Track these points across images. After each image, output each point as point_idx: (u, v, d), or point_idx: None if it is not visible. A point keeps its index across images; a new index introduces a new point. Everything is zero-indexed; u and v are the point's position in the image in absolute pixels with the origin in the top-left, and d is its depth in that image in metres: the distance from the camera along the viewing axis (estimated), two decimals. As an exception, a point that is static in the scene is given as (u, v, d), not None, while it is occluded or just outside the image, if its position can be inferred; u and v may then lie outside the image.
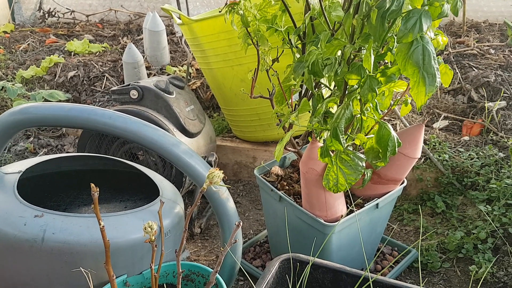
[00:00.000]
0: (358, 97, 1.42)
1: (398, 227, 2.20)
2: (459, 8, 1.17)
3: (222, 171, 0.93)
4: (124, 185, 1.60)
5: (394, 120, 2.56)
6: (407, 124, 2.46)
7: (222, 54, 2.28)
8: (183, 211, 1.42)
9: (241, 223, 1.16)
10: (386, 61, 1.36)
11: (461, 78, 2.75)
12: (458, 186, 2.17)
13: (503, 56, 2.95)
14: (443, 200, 2.18)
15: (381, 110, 1.64)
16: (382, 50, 1.36)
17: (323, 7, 1.37)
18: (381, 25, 1.10)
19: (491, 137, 2.34)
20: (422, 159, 2.29)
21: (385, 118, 2.59)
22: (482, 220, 1.96)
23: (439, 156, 2.25)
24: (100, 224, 1.06)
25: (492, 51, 3.05)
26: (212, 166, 2.17)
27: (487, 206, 1.96)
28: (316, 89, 1.63)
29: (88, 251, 1.23)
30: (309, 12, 1.47)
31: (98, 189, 1.01)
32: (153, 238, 1.13)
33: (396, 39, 1.15)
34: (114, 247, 1.24)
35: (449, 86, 2.78)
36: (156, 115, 2.02)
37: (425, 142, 2.38)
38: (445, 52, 2.95)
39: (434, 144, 2.34)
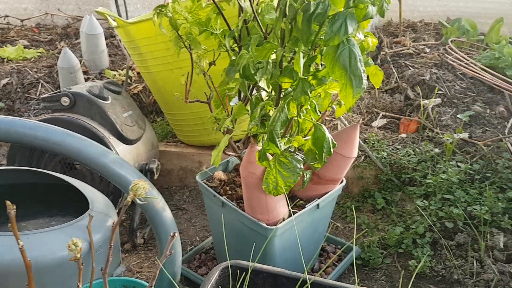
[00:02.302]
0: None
1: (342, 225, 2.23)
2: (386, 10, 1.19)
3: (146, 182, 0.89)
4: (53, 199, 1.52)
5: (335, 120, 2.61)
6: (347, 124, 2.51)
7: (160, 57, 2.22)
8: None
9: (177, 234, 1.12)
10: (319, 63, 1.37)
11: (397, 77, 2.84)
12: (397, 182, 2.24)
13: (438, 55, 3.08)
14: (382, 196, 2.23)
15: (320, 111, 1.66)
16: (314, 52, 1.37)
17: (255, 10, 1.36)
18: (307, 28, 1.10)
19: (427, 133, 2.43)
20: (362, 158, 2.34)
21: (326, 118, 2.64)
22: (420, 215, 2.02)
23: (378, 154, 2.31)
24: (19, 244, 0.99)
25: (428, 50, 3.18)
26: (154, 173, 2.11)
27: (424, 201, 2.03)
28: (256, 92, 1.62)
29: (11, 271, 1.15)
30: (242, 15, 1.45)
31: (15, 207, 0.94)
32: (79, 256, 1.06)
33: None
34: (40, 266, 1.17)
35: (386, 86, 2.86)
36: (90, 122, 1.94)
37: (364, 140, 2.43)
38: (382, 52, 3.04)
39: (373, 142, 2.39)
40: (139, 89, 3.07)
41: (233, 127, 1.67)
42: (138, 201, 0.90)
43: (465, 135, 2.27)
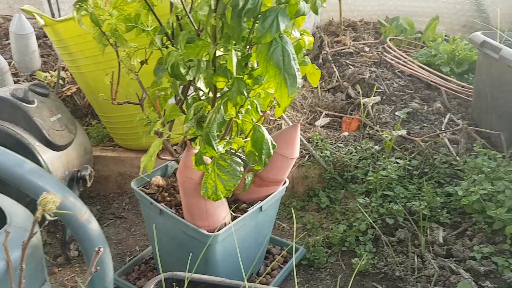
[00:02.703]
0: (232, 100, 1.36)
1: (288, 225, 2.20)
2: (319, 6, 1.16)
3: (57, 196, 0.79)
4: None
5: (279, 120, 2.58)
6: (290, 123, 2.49)
7: (91, 57, 2.09)
8: (40, 239, 1.24)
9: (103, 249, 1.02)
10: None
11: (339, 76, 2.86)
12: (340, 181, 2.24)
13: (377, 53, 3.14)
14: (326, 195, 2.23)
15: (262, 111, 1.61)
16: (251, 50, 1.31)
17: (188, 5, 1.28)
18: (238, 25, 1.04)
19: (368, 131, 2.45)
20: (306, 157, 2.32)
21: (270, 118, 2.60)
22: (362, 212, 2.03)
23: (321, 152, 2.30)
24: None
25: (367, 49, 3.23)
26: (87, 181, 1.98)
27: (366, 198, 2.04)
28: (194, 92, 1.55)
29: None
30: (173, 10, 1.38)
31: None
32: (-12, 279, 0.95)
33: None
34: None
35: (328, 84, 2.88)
36: (13, 128, 1.78)
37: (308, 140, 2.42)
38: (323, 52, 3.06)
39: (316, 141, 2.38)
40: (73, 90, 2.90)
41: (170, 130, 1.59)
42: (48, 217, 0.80)
43: (403, 132, 2.31)
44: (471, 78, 2.87)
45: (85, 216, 1.18)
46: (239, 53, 1.28)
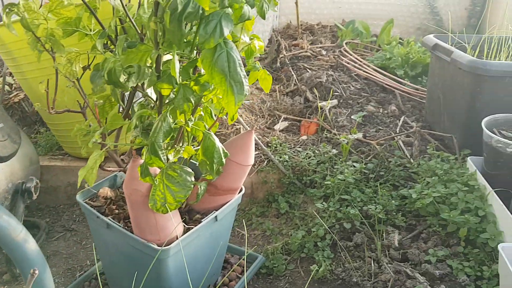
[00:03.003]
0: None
1: (248, 233, 2.16)
2: (266, 11, 1.12)
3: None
4: None
5: (238, 125, 2.53)
6: (248, 128, 2.45)
7: (35, 62, 1.97)
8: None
9: (37, 271, 0.94)
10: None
11: (297, 80, 2.85)
12: (299, 185, 2.22)
13: (334, 57, 3.15)
14: (286, 200, 2.20)
15: (217, 117, 1.56)
16: (199, 55, 1.26)
17: (127, 8, 1.21)
18: (178, 29, 0.99)
19: (326, 134, 2.44)
20: (265, 162, 2.29)
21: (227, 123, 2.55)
22: (321, 217, 2.01)
23: (280, 157, 2.27)
24: None
25: (324, 52, 3.24)
26: (32, 193, 1.87)
27: (324, 203, 2.02)
28: (143, 98, 1.48)
29: None
30: (115, 13, 1.30)
31: None
32: None
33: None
34: None
35: (287, 88, 2.86)
36: None
37: (267, 144, 2.39)
38: (280, 55, 3.04)
39: (275, 146, 2.36)
40: (21, 97, 2.76)
41: (117, 139, 1.51)
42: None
43: (359, 135, 2.31)
44: (425, 81, 2.93)
45: (21, 235, 1.10)
46: (187, 59, 1.23)
